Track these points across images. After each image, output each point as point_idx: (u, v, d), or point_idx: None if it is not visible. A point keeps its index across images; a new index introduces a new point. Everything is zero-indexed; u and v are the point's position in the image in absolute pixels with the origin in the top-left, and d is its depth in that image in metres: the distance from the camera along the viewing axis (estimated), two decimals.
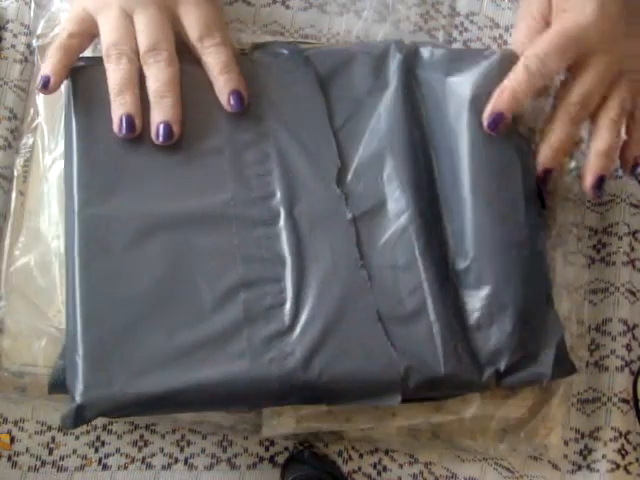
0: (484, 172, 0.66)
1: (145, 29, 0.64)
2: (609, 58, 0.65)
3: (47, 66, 0.64)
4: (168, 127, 0.63)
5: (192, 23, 0.65)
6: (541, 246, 0.65)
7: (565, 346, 0.63)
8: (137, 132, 0.63)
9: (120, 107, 0.63)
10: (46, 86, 0.64)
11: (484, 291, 0.63)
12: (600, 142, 0.65)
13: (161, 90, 0.64)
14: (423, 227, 0.64)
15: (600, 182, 0.65)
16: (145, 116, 0.64)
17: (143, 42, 0.64)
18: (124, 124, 0.63)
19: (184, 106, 0.65)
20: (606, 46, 0.65)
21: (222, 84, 0.65)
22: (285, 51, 0.69)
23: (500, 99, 0.64)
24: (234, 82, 0.65)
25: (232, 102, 0.65)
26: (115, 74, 0.64)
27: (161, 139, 0.63)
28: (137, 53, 0.64)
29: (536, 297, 0.64)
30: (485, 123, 0.65)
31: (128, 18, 0.65)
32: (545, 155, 0.65)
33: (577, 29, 0.65)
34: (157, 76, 0.64)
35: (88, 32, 0.66)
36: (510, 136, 0.67)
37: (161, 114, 0.63)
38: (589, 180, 0.65)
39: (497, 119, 0.64)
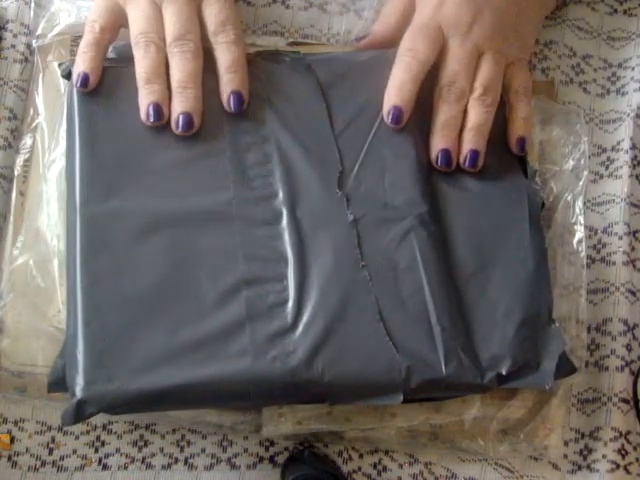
0: (490, 191, 0.67)
1: (173, 19, 0.65)
2: (464, 40, 0.68)
3: (84, 63, 0.65)
4: (189, 118, 0.64)
5: (210, 17, 0.66)
6: (544, 268, 0.66)
7: (567, 358, 0.64)
8: (164, 120, 0.64)
9: (148, 95, 0.64)
10: (85, 84, 0.65)
11: (488, 298, 0.64)
12: (468, 120, 0.68)
13: (185, 81, 0.64)
14: (425, 232, 0.64)
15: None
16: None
17: (171, 32, 0.65)
18: (152, 112, 0.64)
19: None
20: (461, 31, 0.68)
21: (225, 82, 0.66)
22: (287, 58, 0.70)
23: (389, 95, 0.67)
24: (237, 83, 0.66)
25: (231, 102, 0.66)
26: (143, 62, 0.65)
27: (181, 129, 0.64)
28: (164, 42, 0.65)
29: (539, 310, 0.64)
30: (387, 120, 0.67)
31: (157, 8, 0.66)
32: (435, 137, 0.67)
33: (430, 19, 0.69)
34: (182, 67, 0.65)
35: (117, 24, 0.67)
36: (515, 160, 0.69)
37: (183, 104, 0.64)
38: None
39: (395, 112, 0.67)
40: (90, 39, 0.66)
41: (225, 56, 0.66)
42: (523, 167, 0.69)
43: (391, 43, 0.71)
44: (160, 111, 0.64)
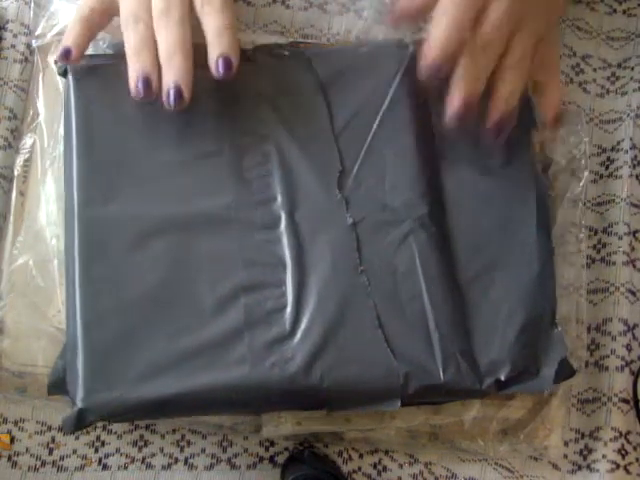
0: (495, 189, 0.67)
1: None
2: (509, 3, 0.63)
3: (68, 38, 0.64)
4: (177, 88, 0.61)
5: None
6: (550, 269, 0.65)
7: (568, 364, 0.64)
8: (154, 93, 0.62)
9: (136, 67, 0.62)
10: (67, 56, 0.63)
11: (491, 301, 0.64)
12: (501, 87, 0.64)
13: (171, 50, 0.62)
14: (425, 235, 0.64)
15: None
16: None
17: (156, 8, 0.63)
18: (140, 84, 0.61)
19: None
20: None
21: (212, 48, 0.63)
22: (286, 53, 0.69)
23: (428, 47, 0.63)
24: (223, 46, 0.63)
25: (219, 67, 0.62)
26: (131, 38, 0.63)
27: (171, 101, 0.62)
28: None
29: (541, 314, 0.64)
30: (423, 66, 0.63)
31: None
32: (459, 83, 0.63)
33: (507, 13, 0.63)
34: (166, 36, 0.62)
35: (108, 10, 0.65)
36: (526, 159, 0.68)
37: (171, 74, 0.62)
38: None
39: (436, 63, 0.62)
40: (78, 17, 0.64)
41: (211, 22, 0.63)
42: (534, 163, 0.68)
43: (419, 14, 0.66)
44: (148, 82, 0.61)
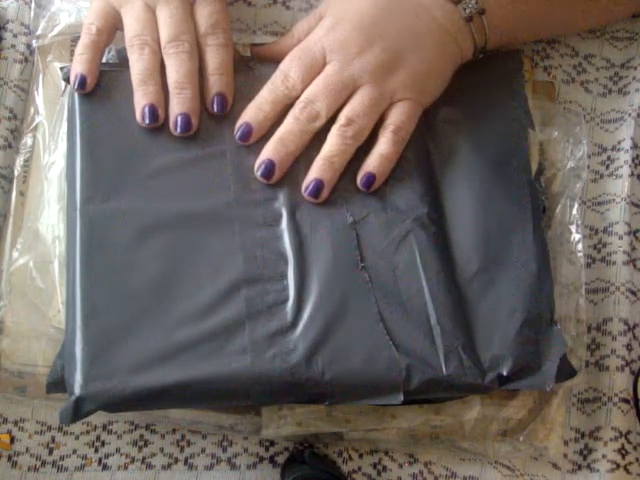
0: (492, 190, 0.67)
1: (167, 21, 0.66)
2: (342, 68, 0.66)
3: (81, 65, 0.65)
4: (187, 119, 0.65)
5: (201, 18, 0.67)
6: (546, 269, 0.66)
7: (568, 362, 0.64)
8: (160, 122, 0.65)
9: (143, 97, 0.65)
10: (83, 86, 0.65)
11: (491, 299, 0.64)
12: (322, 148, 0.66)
13: (181, 82, 0.65)
14: (424, 233, 0.64)
15: (318, 185, 0.64)
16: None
17: (165, 33, 0.66)
18: (147, 114, 0.64)
19: None
20: (342, 58, 0.66)
21: (211, 84, 0.66)
22: None
23: (245, 111, 0.66)
24: (222, 85, 0.66)
25: (215, 104, 0.66)
26: (138, 64, 0.65)
27: (179, 130, 0.65)
28: (159, 44, 0.66)
29: (541, 311, 0.64)
30: (236, 136, 0.66)
31: (151, 11, 0.66)
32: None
33: (315, 43, 0.67)
34: (178, 67, 0.65)
35: (113, 26, 0.67)
36: (522, 161, 0.69)
37: (180, 106, 0.65)
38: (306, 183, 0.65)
39: (245, 130, 0.65)
40: (86, 41, 0.66)
41: (213, 58, 0.66)
42: (529, 166, 0.69)
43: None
44: (155, 112, 0.64)
